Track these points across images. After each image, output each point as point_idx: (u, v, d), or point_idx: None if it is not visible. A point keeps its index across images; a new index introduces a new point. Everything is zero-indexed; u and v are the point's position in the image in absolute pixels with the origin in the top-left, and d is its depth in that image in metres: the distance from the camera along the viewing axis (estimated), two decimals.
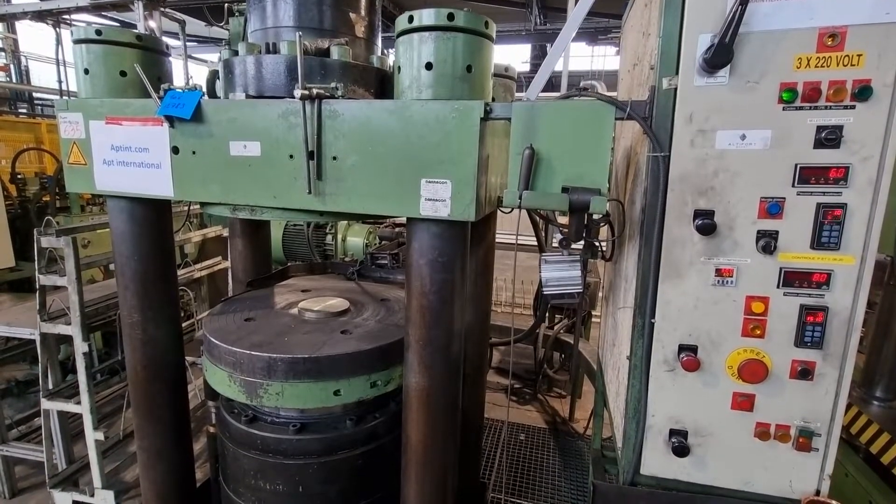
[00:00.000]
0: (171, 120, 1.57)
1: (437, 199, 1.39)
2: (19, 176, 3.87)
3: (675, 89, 1.18)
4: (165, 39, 1.95)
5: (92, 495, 2.45)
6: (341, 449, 1.81)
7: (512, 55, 14.12)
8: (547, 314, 3.81)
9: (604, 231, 1.61)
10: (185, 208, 2.47)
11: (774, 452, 1.29)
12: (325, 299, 2.16)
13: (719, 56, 1.09)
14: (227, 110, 1.52)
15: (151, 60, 1.74)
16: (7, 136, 4.46)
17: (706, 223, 1.19)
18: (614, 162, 1.97)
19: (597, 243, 1.63)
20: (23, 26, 8.11)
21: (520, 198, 1.28)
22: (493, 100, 1.42)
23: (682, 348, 1.28)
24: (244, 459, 1.82)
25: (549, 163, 1.29)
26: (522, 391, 4.16)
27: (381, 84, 1.73)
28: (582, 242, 1.60)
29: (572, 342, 3.51)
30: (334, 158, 1.45)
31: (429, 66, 1.33)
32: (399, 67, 1.41)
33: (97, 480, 2.40)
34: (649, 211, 1.26)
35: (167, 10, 4.38)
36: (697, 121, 1.17)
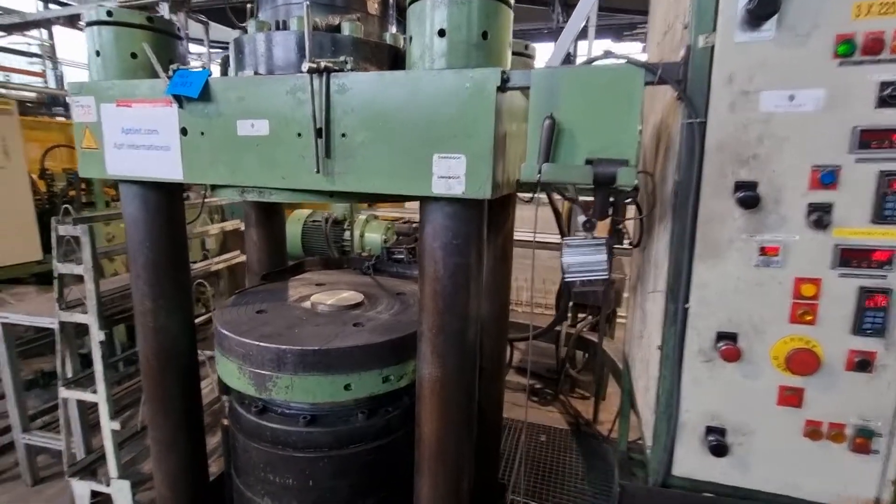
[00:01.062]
0: (180, 100, 1.53)
1: (451, 177, 1.30)
2: (48, 172, 3.97)
3: (713, 47, 1.06)
4: (192, 48, 1.93)
5: (108, 485, 2.44)
6: (353, 443, 1.74)
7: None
8: (569, 311, 3.67)
9: (630, 218, 1.49)
10: (201, 199, 2.46)
11: (827, 454, 1.15)
12: (339, 292, 2.11)
13: (765, 6, 0.98)
14: (234, 88, 1.47)
15: (163, 43, 1.71)
16: (39, 135, 4.59)
17: (748, 196, 1.06)
18: (641, 142, 1.84)
19: (623, 229, 1.52)
20: (58, 31, 8.43)
21: (539, 171, 1.18)
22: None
23: (720, 336, 1.16)
24: (254, 451, 1.77)
25: (572, 134, 1.19)
26: (543, 391, 4.02)
27: (394, 62, 1.67)
28: (604, 227, 1.49)
29: (596, 340, 3.37)
30: (343, 135, 1.38)
31: (441, 32, 1.25)
32: (410, 38, 1.33)
33: (113, 470, 2.40)
34: (683, 185, 1.15)
35: (191, 12, 4.44)
36: (739, 81, 1.05)
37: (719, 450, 1.18)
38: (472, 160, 1.27)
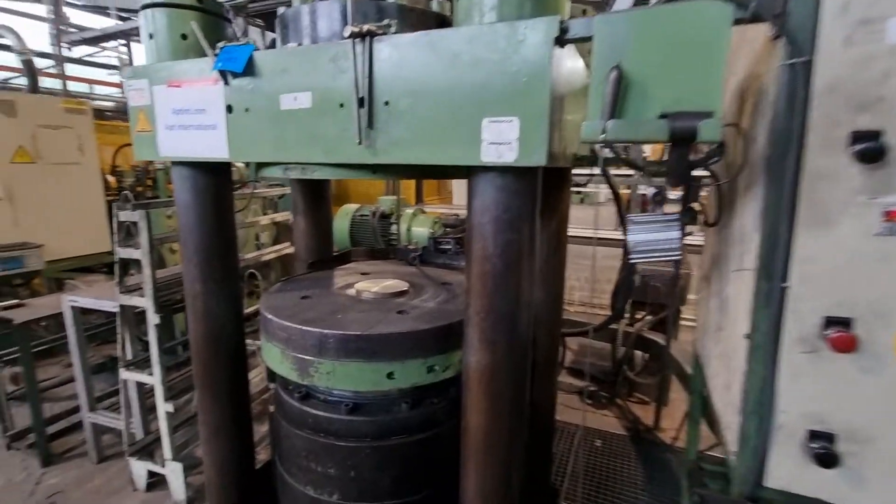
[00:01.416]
0: (225, 76, 1.51)
1: (502, 142, 1.18)
2: (118, 169, 4.24)
3: None
4: None
5: (163, 466, 2.51)
6: (395, 434, 1.65)
7: None
8: (628, 308, 3.42)
9: (709, 182, 1.31)
10: (251, 189, 2.50)
11: None
12: (384, 281, 2.04)
13: None
14: (277, 60, 1.43)
15: (212, 24, 1.71)
16: (112, 138, 4.93)
17: (870, 148, 0.87)
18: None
19: (697, 206, 1.34)
20: (137, 46, 9.10)
21: (604, 130, 1.03)
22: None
23: (829, 322, 0.96)
24: (296, 438, 1.73)
25: (642, 86, 1.03)
26: (598, 394, 3.78)
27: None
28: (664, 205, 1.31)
29: (659, 340, 3.11)
30: (386, 103, 1.30)
31: None
32: None
33: (167, 451, 2.46)
34: (780, 140, 0.96)
35: (250, 17, 4.60)
36: (857, 8, 0.86)
37: (827, 460, 0.98)
38: (525, 123, 1.14)
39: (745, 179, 1.21)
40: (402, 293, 1.94)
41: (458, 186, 8.06)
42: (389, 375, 1.55)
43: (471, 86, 1.19)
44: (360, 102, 1.31)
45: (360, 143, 1.33)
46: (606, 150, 1.18)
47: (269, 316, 1.69)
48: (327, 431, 1.66)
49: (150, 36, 1.68)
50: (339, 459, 1.66)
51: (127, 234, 2.36)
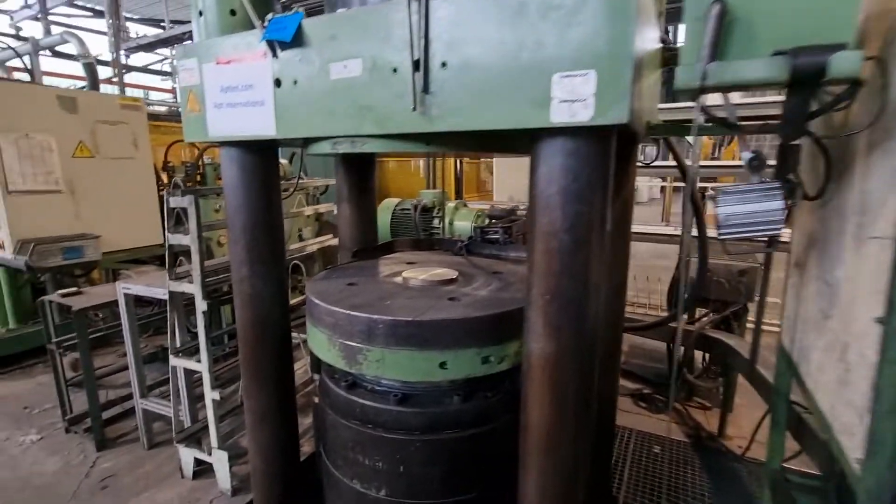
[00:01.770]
0: (274, 48, 1.45)
1: (575, 100, 1.05)
2: (169, 164, 4.39)
3: None
4: None
5: (210, 454, 2.51)
6: (447, 427, 1.55)
7: None
8: (689, 306, 3.18)
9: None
10: (295, 179, 2.47)
11: None
12: (431, 269, 1.95)
13: None
14: (327, 27, 1.35)
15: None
16: (164, 139, 5.12)
17: None
18: None
19: (795, 177, 1.16)
20: None
21: (704, 76, 0.88)
22: None
23: None
24: (342, 429, 1.65)
25: (749, 20, 0.88)
26: (653, 397, 3.55)
27: None
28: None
29: (725, 339, 2.86)
30: (443, 65, 1.19)
31: None
32: None
33: (213, 440, 2.45)
34: None
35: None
36: None
37: None
38: (603, 75, 1.01)
39: (871, 135, 1.01)
40: (451, 281, 1.84)
41: (499, 183, 7.91)
42: (442, 365, 1.44)
43: (538, 39, 1.06)
44: (415, 66, 1.21)
45: (414, 109, 1.24)
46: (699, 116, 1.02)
47: (316, 300, 1.62)
48: (375, 422, 1.57)
49: (200, 14, 1.65)
50: (388, 452, 1.57)
51: (177, 221, 2.38)
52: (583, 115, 1.04)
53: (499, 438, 1.60)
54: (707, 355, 3.36)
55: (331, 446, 1.75)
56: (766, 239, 1.18)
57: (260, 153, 1.75)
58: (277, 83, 1.48)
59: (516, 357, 1.52)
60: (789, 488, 1.71)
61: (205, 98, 1.67)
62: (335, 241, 3.40)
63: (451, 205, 4.33)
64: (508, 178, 8.28)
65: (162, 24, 7.63)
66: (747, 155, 1.13)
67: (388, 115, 1.30)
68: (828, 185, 1.21)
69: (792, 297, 1.59)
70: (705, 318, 3.16)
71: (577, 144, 1.12)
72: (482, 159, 8.67)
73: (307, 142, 1.61)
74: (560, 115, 1.07)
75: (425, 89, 1.22)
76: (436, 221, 4.30)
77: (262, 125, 1.56)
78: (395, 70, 1.26)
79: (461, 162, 7.42)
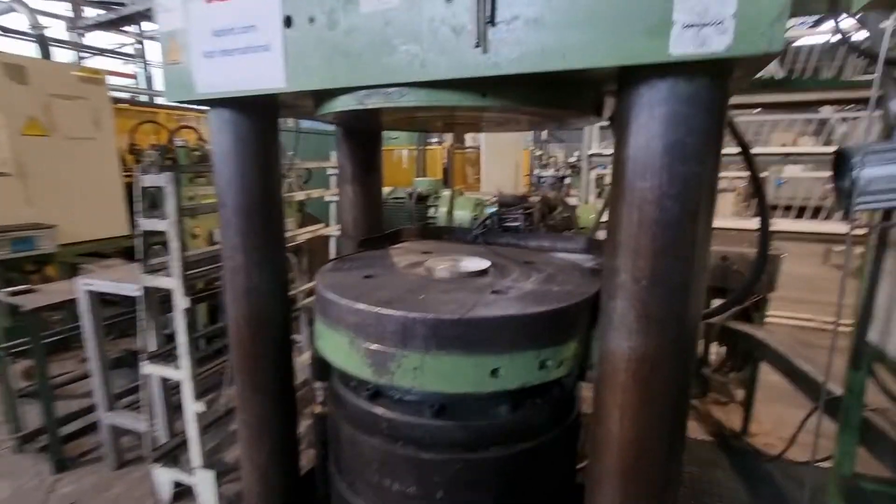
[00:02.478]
0: None
1: (706, 23, 0.81)
2: (136, 147, 3.95)
3: None
4: None
5: (191, 474, 2.17)
6: (495, 443, 1.29)
7: None
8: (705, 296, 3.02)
9: None
10: (289, 162, 2.15)
11: None
12: (457, 258, 1.67)
13: None
14: None
15: None
16: (128, 123, 4.63)
17: None
18: None
19: None
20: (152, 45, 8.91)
21: None
22: None
23: None
24: (363, 446, 1.37)
25: None
26: None
27: None
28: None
29: (751, 332, 2.71)
30: None
31: None
32: None
33: (196, 458, 2.12)
34: None
35: None
36: None
37: None
38: None
39: None
40: (483, 272, 1.57)
41: (487, 173, 7.69)
42: (493, 372, 1.17)
43: None
44: None
45: (477, 45, 0.97)
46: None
47: (332, 296, 1.32)
48: (407, 439, 1.30)
49: None
50: (422, 475, 1.30)
51: (151, 204, 2.03)
52: (717, 43, 0.80)
53: (547, 456, 1.37)
54: (724, 348, 3.21)
55: (346, 466, 1.47)
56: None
57: (259, 116, 1.46)
58: (288, 22, 1.19)
59: (574, 360, 1.28)
60: (867, 497, 1.53)
61: (190, 45, 1.35)
62: (329, 231, 3.08)
63: (447, 193, 4.07)
64: (495, 170, 8.08)
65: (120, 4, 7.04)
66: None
67: (438, 55, 1.03)
68: None
69: (882, 285, 1.40)
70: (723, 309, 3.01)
71: (696, 86, 0.88)
72: (467, 150, 8.43)
73: (321, 98, 1.32)
74: (683, 46, 0.82)
75: (492, 20, 0.96)
76: (431, 210, 4.03)
77: (267, 76, 1.25)
78: None
79: (452, 150, 7.15)
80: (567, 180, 7.28)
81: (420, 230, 2.39)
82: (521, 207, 2.75)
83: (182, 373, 2.03)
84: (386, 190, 4.35)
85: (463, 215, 3.86)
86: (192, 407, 2.04)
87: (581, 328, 1.28)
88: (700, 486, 2.42)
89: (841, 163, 1.03)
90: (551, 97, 1.13)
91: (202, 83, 1.36)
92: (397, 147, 7.50)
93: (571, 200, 5.06)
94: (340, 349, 1.32)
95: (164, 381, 2.26)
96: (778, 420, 3.03)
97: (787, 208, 5.73)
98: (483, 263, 1.62)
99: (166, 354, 2.19)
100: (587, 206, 4.08)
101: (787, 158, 4.61)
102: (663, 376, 1.02)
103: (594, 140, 5.17)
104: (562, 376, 1.28)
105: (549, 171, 7.64)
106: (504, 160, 8.30)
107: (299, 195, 2.76)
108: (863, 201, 0.95)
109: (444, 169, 7.04)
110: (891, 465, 1.55)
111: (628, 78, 0.94)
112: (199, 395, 2.14)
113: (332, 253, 3.17)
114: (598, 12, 0.87)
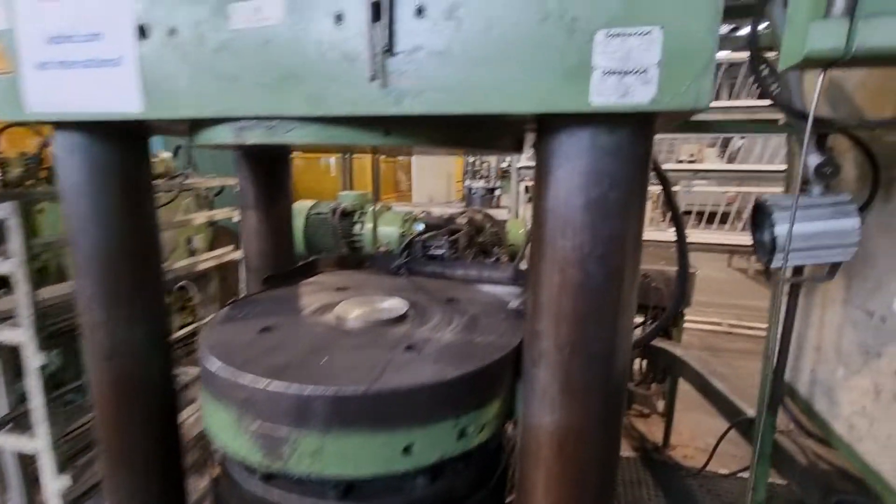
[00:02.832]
0: None
1: (629, 71, 0.71)
2: (1, 154, 3.33)
3: None
4: None
5: None
6: None
7: None
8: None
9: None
10: (181, 180, 1.84)
11: None
12: (373, 300, 1.49)
13: None
14: None
15: None
16: None
17: None
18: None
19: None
20: None
21: (849, 35, 0.59)
22: None
23: None
24: None
25: None
26: None
27: None
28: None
29: (669, 349, 2.79)
30: (419, 11, 0.79)
31: None
32: None
33: None
34: None
35: None
36: None
37: None
38: (673, 37, 0.68)
39: None
40: (402, 318, 1.40)
41: (418, 183, 7.55)
42: (406, 450, 1.01)
43: None
44: (376, 10, 0.79)
45: (373, 78, 0.81)
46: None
47: (215, 363, 1.09)
48: None
49: None
50: None
51: None
52: (640, 94, 0.71)
53: None
54: (644, 362, 3.31)
55: None
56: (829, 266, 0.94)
57: (120, 141, 1.19)
58: (142, 32, 0.96)
59: (497, 422, 1.15)
60: None
61: (19, 53, 1.06)
62: (236, 255, 2.77)
63: (372, 208, 3.86)
64: (427, 179, 7.96)
65: None
66: (815, 159, 0.87)
67: (328, 86, 0.85)
68: (874, 194, 1.01)
69: (809, 326, 1.43)
70: (645, 326, 3.10)
71: (619, 138, 0.78)
72: (399, 157, 8.23)
73: (195, 126, 1.09)
74: (605, 95, 0.72)
75: (389, 48, 0.80)
76: (357, 227, 3.80)
77: (118, 98, 1.01)
78: (339, 18, 0.82)
79: (377, 160, 6.91)
80: (498, 192, 7.34)
81: (338, 260, 2.17)
82: (448, 232, 2.61)
83: (39, 443, 1.67)
84: (308, 204, 4.05)
85: (390, 232, 3.67)
86: (53, 483, 1.68)
87: (505, 384, 1.16)
88: None
89: (760, 216, 1.00)
90: (464, 138, 0.99)
91: (34, 101, 1.08)
92: (325, 155, 7.12)
93: (502, 213, 5.05)
94: (226, 428, 1.09)
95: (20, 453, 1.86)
96: (696, 428, 3.17)
97: (698, 213, 6.39)
98: (401, 306, 1.45)
99: (21, 418, 1.80)
100: (516, 220, 4.06)
101: (696, 175, 4.95)
102: (590, 450, 0.92)
103: (524, 152, 5.21)
104: (485, 441, 1.15)
105: (480, 183, 7.67)
106: (436, 169, 8.21)
107: (200, 217, 2.43)
108: (778, 258, 0.91)
109: (373, 178, 6.79)
110: (798, 487, 1.59)
111: (548, 123, 0.83)
112: (67, 461, 1.78)
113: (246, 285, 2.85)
114: (513, 46, 0.75)
